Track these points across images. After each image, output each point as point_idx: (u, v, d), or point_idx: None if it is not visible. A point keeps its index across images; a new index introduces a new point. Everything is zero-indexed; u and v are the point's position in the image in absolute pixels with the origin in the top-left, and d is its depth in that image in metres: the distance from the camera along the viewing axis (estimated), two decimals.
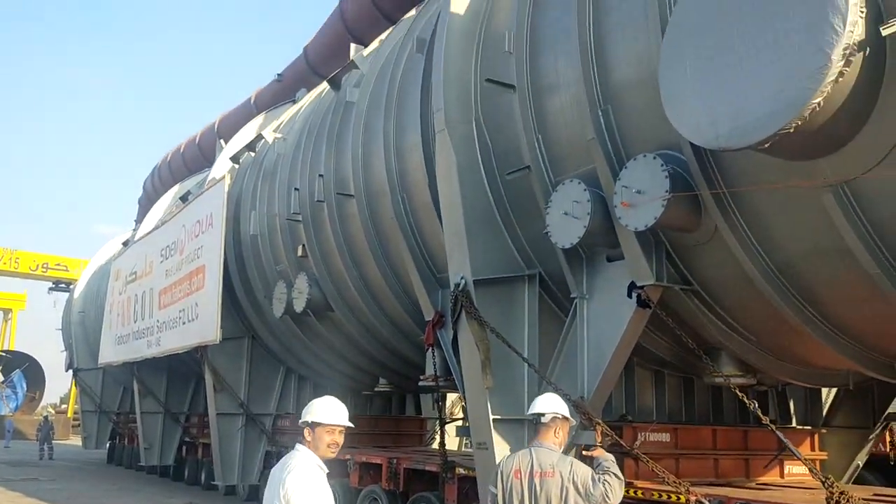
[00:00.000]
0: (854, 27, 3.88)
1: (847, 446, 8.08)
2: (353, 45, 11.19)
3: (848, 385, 6.66)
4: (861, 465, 8.11)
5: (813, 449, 7.57)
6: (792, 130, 4.07)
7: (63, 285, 40.20)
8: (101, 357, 19.41)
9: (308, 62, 17.07)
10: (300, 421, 3.97)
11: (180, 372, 18.20)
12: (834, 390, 8.25)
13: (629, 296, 5.82)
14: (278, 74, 18.78)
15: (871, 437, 8.08)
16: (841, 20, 3.88)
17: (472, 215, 7.01)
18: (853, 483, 7.95)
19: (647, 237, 5.65)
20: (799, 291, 5.20)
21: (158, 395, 18.63)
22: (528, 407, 6.55)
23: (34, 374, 41.50)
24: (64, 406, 49.14)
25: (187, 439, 18.77)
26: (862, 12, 3.93)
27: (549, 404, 4.81)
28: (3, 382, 39.53)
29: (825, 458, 7.65)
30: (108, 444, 25.64)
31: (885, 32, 3.87)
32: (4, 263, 44.38)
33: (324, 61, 16.04)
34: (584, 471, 4.52)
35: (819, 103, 3.97)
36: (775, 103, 4.10)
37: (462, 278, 6.91)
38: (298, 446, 3.91)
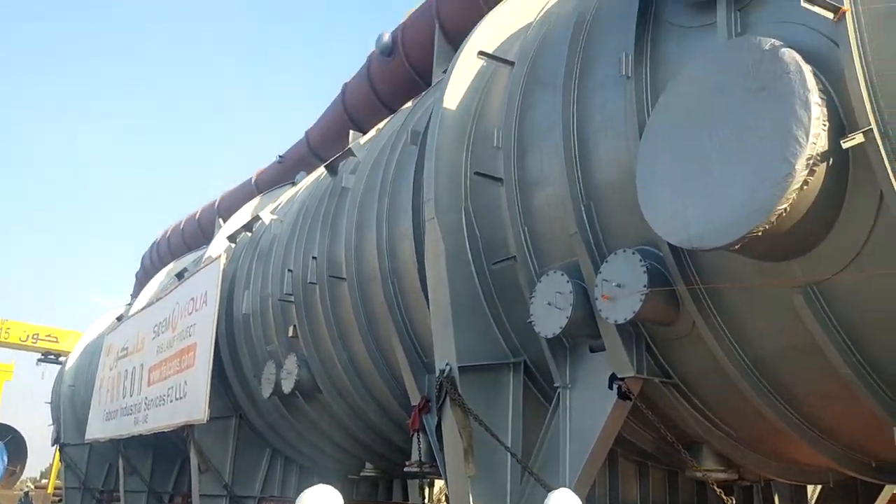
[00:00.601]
0: (817, 139, 4.13)
1: None
2: (351, 133, 11.56)
3: (828, 482, 6.67)
4: None
5: None
6: (760, 234, 4.29)
7: (52, 356, 39.83)
8: (88, 432, 19.21)
9: (309, 146, 17.50)
10: None
11: (166, 450, 17.95)
12: (819, 486, 8.21)
13: (610, 387, 5.90)
14: (280, 156, 19.20)
15: None
16: (804, 133, 4.13)
17: (459, 302, 7.14)
18: None
19: (627, 329, 5.78)
20: (774, 387, 5.29)
21: (143, 474, 18.31)
22: (509, 497, 6.64)
23: (17, 447, 40.61)
24: (45, 481, 47.96)
25: None
26: (825, 126, 4.18)
27: (564, 501, 4.87)
28: None
29: None
30: None
31: (845, 145, 4.11)
32: None
33: (324, 145, 16.47)
34: None
35: (785, 209, 4.19)
36: (744, 208, 4.32)
37: (447, 364, 7.00)
38: None
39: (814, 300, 4.70)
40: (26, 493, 29.20)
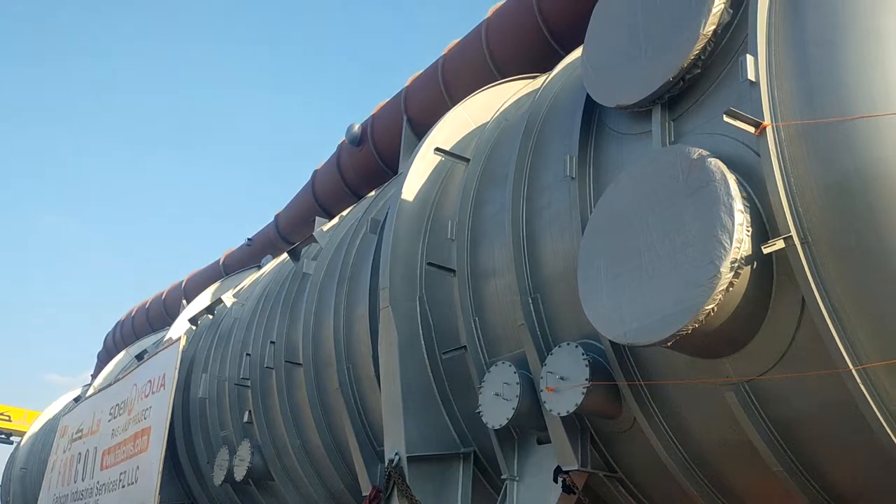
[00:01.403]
0: (741, 244, 4.36)
1: None
2: (316, 220, 11.75)
3: None
4: None
5: None
6: (690, 332, 4.45)
7: (3, 436, 38.53)
8: None
9: (278, 229, 17.68)
10: None
11: None
12: None
13: (555, 480, 5.94)
14: (248, 239, 19.33)
15: None
16: (728, 238, 4.36)
17: (410, 390, 7.20)
18: None
19: (572, 422, 5.86)
20: (712, 482, 5.37)
21: None
22: None
23: None
24: None
25: None
26: (748, 231, 4.41)
27: None
28: None
29: None
30: None
31: (766, 251, 4.33)
32: None
33: (293, 230, 16.66)
34: None
35: (713, 309, 4.38)
36: (674, 307, 4.51)
37: (396, 454, 7.00)
38: None
39: (745, 397, 4.84)
40: None
